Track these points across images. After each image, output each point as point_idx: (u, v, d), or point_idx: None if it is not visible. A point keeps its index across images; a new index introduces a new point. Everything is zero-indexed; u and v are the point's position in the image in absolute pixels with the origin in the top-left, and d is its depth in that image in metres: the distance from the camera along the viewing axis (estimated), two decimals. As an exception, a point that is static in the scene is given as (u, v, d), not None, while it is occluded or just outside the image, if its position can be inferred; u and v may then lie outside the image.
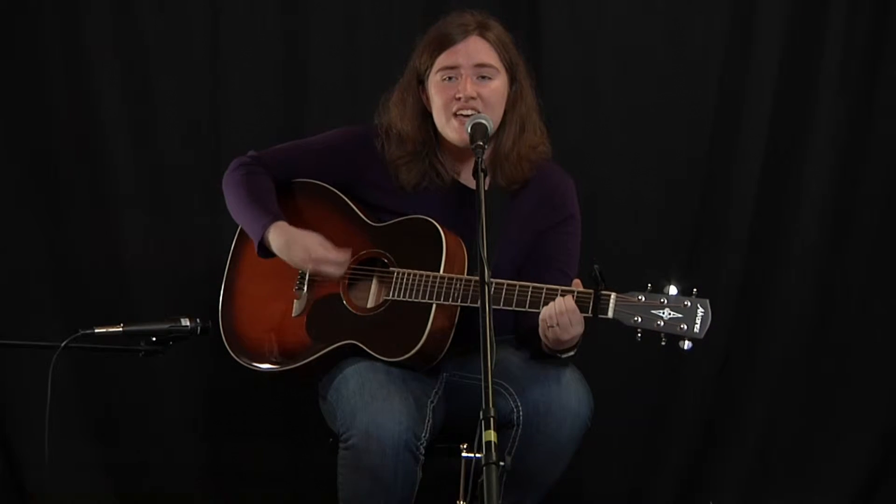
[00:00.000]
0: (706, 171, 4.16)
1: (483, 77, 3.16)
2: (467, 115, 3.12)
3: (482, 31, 3.19)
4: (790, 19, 4.12)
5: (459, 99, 3.14)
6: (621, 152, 4.14)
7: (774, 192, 4.14)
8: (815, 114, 4.12)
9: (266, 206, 3.21)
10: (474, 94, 3.14)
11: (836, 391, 4.17)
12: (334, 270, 3.15)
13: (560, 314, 2.90)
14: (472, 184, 3.11)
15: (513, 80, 3.22)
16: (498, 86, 3.18)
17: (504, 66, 3.20)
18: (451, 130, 3.17)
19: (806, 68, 4.12)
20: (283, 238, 3.16)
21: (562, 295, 2.92)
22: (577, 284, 2.94)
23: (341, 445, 3.01)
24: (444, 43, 3.18)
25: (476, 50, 3.17)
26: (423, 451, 3.00)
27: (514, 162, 3.22)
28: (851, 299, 4.16)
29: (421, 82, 3.23)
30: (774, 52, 4.12)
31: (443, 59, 3.17)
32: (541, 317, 2.94)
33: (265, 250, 3.18)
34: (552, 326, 2.92)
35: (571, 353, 3.02)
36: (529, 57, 3.37)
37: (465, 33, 3.18)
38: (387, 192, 3.24)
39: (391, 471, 2.96)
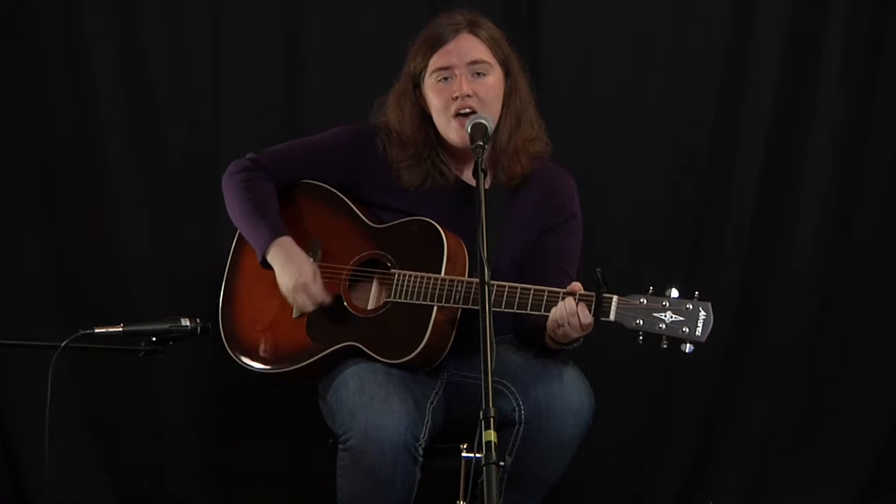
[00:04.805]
0: (706, 171, 4.16)
1: (478, 74, 3.17)
2: (466, 115, 3.12)
3: (473, 28, 3.20)
4: (790, 19, 4.12)
5: (457, 99, 3.14)
6: (621, 152, 4.14)
7: (774, 192, 4.14)
8: (815, 114, 4.12)
9: (269, 219, 3.21)
10: (470, 92, 3.14)
11: (836, 391, 4.17)
12: (306, 303, 3.15)
13: (571, 315, 2.91)
14: (474, 182, 3.10)
15: (507, 74, 3.23)
16: (493, 82, 3.19)
17: (497, 60, 3.21)
18: (453, 132, 3.17)
19: (806, 68, 4.12)
20: (283, 256, 3.17)
21: (562, 298, 2.92)
22: (577, 287, 2.94)
23: (340, 446, 3.01)
24: (435, 43, 3.19)
25: (468, 48, 3.18)
26: (421, 452, 3.01)
27: (511, 156, 3.23)
28: (851, 299, 4.16)
29: (417, 85, 3.23)
30: (774, 52, 4.12)
31: (436, 60, 3.18)
32: (550, 318, 2.94)
33: (266, 263, 3.19)
34: (563, 326, 2.93)
35: (577, 344, 3.03)
36: (529, 57, 3.37)
37: (457, 32, 3.19)
38: (389, 191, 3.25)
39: (389, 472, 2.96)
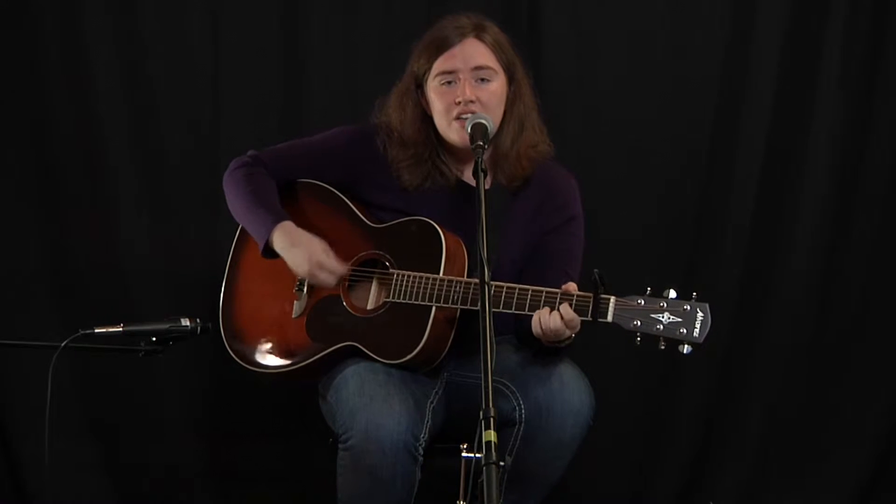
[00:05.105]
0: (706, 171, 4.16)
1: (481, 79, 3.17)
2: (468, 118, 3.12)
3: (478, 32, 3.20)
4: (790, 19, 4.12)
5: (459, 103, 3.14)
6: (621, 152, 4.14)
7: (774, 192, 4.14)
8: (815, 114, 4.12)
9: (270, 207, 3.20)
10: (473, 98, 3.14)
11: (836, 391, 4.17)
12: (329, 279, 3.14)
13: (555, 330, 2.91)
14: (475, 182, 3.10)
15: (511, 79, 3.23)
16: (496, 88, 3.19)
17: (502, 66, 3.20)
18: (454, 133, 3.17)
19: (806, 68, 4.12)
20: (287, 239, 3.15)
21: (559, 300, 2.92)
22: (572, 288, 2.94)
23: (340, 446, 3.01)
24: (441, 46, 3.18)
25: (473, 53, 3.17)
26: (421, 451, 3.01)
27: (513, 160, 3.23)
28: (851, 299, 4.16)
29: (419, 86, 3.23)
30: (774, 52, 4.12)
31: (440, 64, 3.18)
32: (533, 331, 2.95)
33: (270, 252, 3.18)
34: (547, 335, 2.93)
35: (569, 341, 3.01)
36: (529, 57, 3.37)
37: (462, 36, 3.18)
38: (389, 191, 3.24)
39: (390, 471, 2.96)
